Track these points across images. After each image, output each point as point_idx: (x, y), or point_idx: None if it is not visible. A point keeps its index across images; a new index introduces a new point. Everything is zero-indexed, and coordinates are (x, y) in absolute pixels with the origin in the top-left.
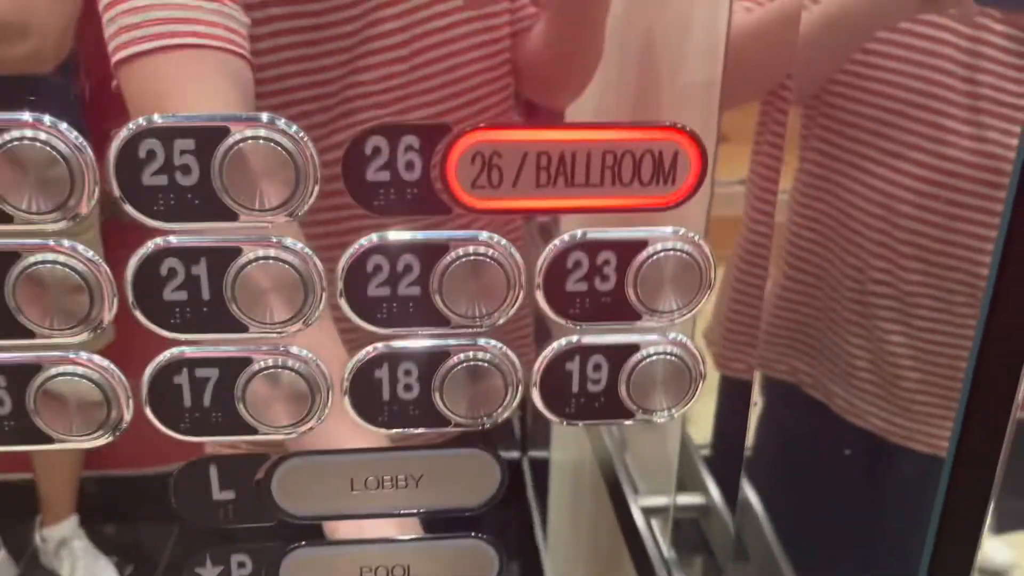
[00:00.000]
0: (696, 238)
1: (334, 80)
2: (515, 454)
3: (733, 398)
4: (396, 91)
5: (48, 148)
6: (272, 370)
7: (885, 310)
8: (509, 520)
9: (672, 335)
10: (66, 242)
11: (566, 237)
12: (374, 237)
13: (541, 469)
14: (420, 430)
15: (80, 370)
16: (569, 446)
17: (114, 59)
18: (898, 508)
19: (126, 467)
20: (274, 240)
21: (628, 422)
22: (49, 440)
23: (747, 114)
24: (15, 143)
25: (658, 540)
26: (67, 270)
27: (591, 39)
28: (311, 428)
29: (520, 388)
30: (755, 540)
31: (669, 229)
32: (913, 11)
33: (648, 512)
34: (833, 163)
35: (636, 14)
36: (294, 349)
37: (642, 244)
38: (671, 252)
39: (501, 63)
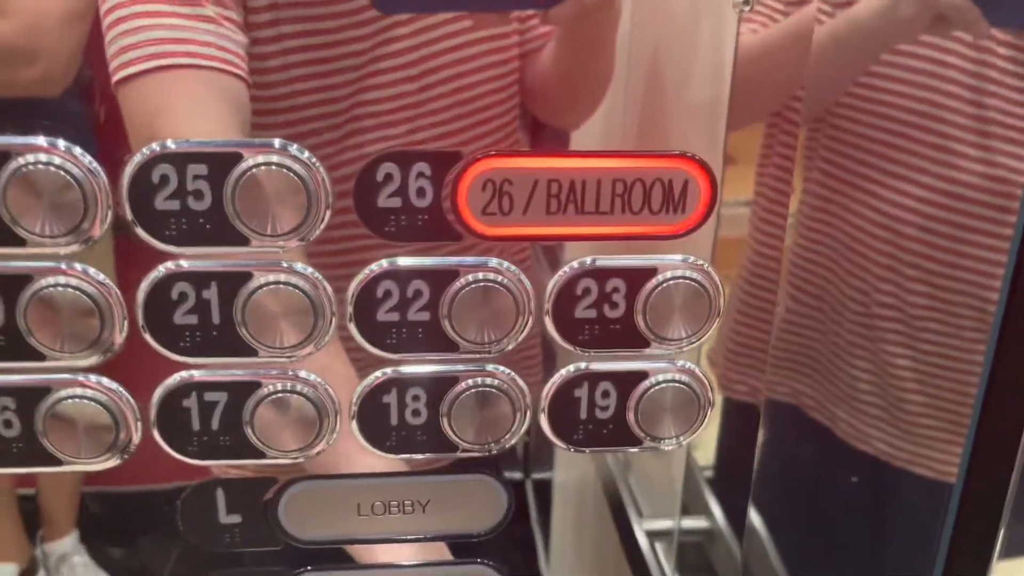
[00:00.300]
0: (705, 266)
1: (344, 98)
2: (518, 475)
3: (736, 420)
4: (406, 110)
5: (62, 172)
6: (281, 394)
7: (891, 333)
8: (511, 542)
9: (680, 362)
10: (78, 265)
11: (575, 264)
12: (384, 263)
13: (543, 490)
14: (427, 455)
15: (89, 393)
16: (573, 468)
17: (113, 80)
18: (904, 533)
19: (126, 484)
20: (285, 265)
21: (636, 449)
22: (57, 462)
23: (752, 135)
24: (30, 167)
25: (662, 564)
26: (78, 293)
27: (600, 60)
28: (318, 452)
29: (528, 414)
30: (760, 564)
31: (679, 257)
32: (922, 31)
33: (652, 535)
34: (838, 184)
35: (641, 36)
36: (303, 373)
37: (651, 272)
38: (680, 280)
39: (511, 84)
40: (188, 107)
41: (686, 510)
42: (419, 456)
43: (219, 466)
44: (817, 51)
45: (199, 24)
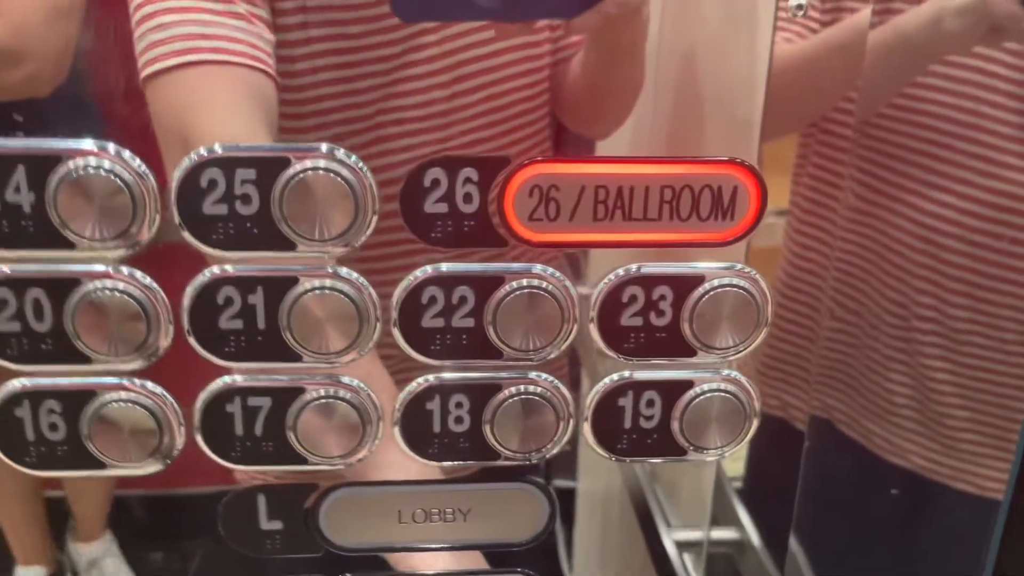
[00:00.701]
0: (753, 273)
1: (370, 103)
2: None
3: (767, 433)
4: (434, 118)
5: (112, 176)
6: (325, 400)
7: (930, 347)
8: (534, 551)
9: (726, 372)
10: (125, 269)
11: (621, 271)
12: (429, 268)
13: (565, 499)
14: (469, 463)
15: (134, 396)
16: (597, 476)
17: (141, 76)
18: (943, 548)
19: (153, 487)
20: (330, 270)
21: (681, 460)
22: (101, 466)
23: (782, 145)
24: (81, 171)
25: (691, 575)
26: (126, 297)
27: (629, 69)
28: (360, 459)
29: (572, 423)
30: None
31: (726, 264)
32: (975, 43)
33: (681, 546)
34: (875, 196)
35: (672, 46)
36: (346, 379)
37: (699, 279)
38: (729, 288)
39: (542, 92)
40: (221, 104)
41: (715, 521)
42: (450, 464)
43: (245, 472)
44: (866, 63)
45: (229, 20)
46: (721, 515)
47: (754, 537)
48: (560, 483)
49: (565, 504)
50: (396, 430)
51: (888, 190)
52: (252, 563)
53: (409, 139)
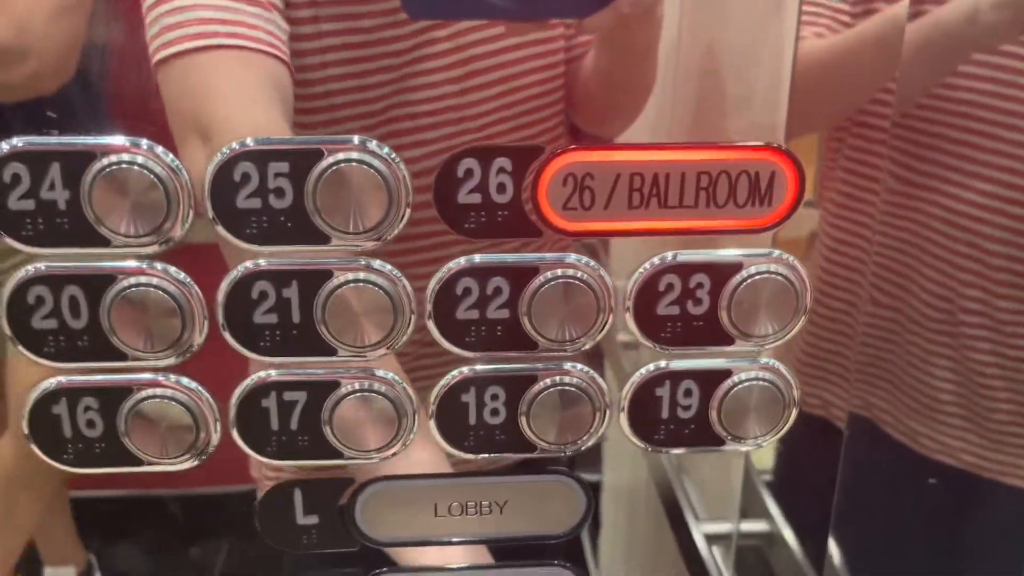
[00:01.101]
0: (792, 260)
1: (380, 98)
2: None
3: (803, 427)
4: (446, 112)
5: (146, 172)
6: (361, 393)
7: (978, 340)
8: (557, 545)
9: (764, 360)
10: (159, 265)
11: (656, 260)
12: (462, 260)
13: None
14: (507, 455)
15: (170, 392)
16: (622, 469)
17: (154, 59)
18: (990, 543)
19: (178, 486)
20: (363, 263)
21: (718, 450)
22: (139, 462)
23: (808, 141)
24: (114, 167)
25: (720, 567)
26: (161, 293)
27: (642, 67)
28: (395, 453)
29: (608, 414)
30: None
31: (764, 251)
32: (1014, 36)
33: (711, 539)
34: (914, 189)
35: (692, 42)
36: (380, 372)
37: (737, 267)
38: (767, 275)
39: (555, 89)
40: (240, 91)
41: (744, 514)
42: (484, 456)
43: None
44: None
45: (247, 7)
46: (750, 508)
47: (785, 530)
48: (584, 475)
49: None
50: (432, 423)
51: (928, 182)
52: (276, 558)
53: (421, 134)
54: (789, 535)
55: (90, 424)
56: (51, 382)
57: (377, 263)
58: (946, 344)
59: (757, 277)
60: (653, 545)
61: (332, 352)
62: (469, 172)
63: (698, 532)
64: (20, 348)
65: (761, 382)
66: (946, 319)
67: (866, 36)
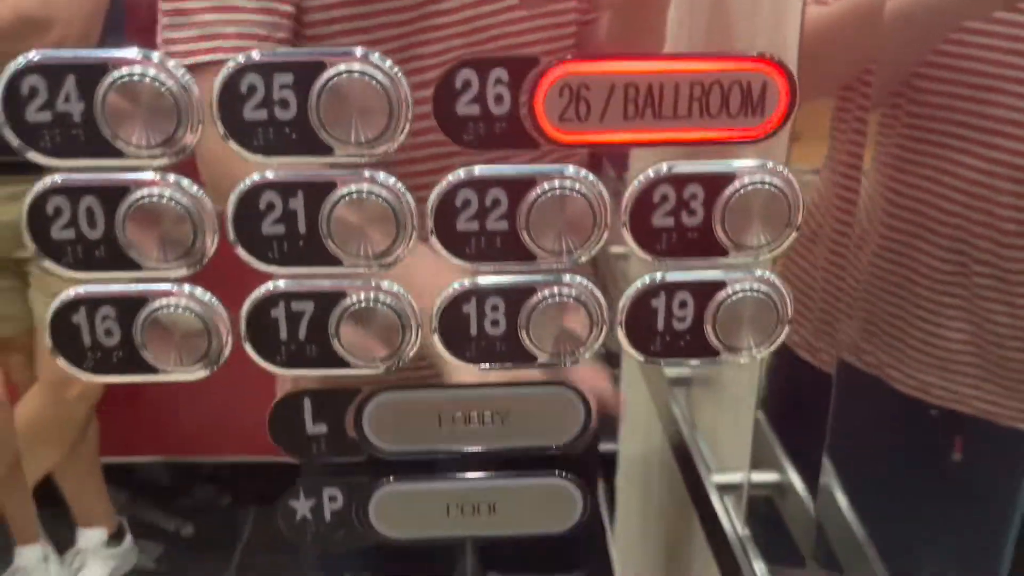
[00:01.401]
0: (784, 171)
1: (390, 53)
2: None
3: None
4: None
5: (157, 83)
6: (365, 304)
7: (989, 291)
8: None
9: (759, 272)
10: (171, 176)
11: (651, 172)
12: (461, 172)
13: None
14: (508, 365)
15: (184, 302)
16: (638, 437)
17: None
18: (1002, 491)
19: (208, 454)
20: (367, 175)
21: (712, 362)
22: (154, 371)
23: (818, 110)
24: (126, 79)
25: (732, 517)
26: (174, 204)
27: (651, 35)
28: (400, 364)
29: (605, 327)
30: (834, 521)
31: (757, 162)
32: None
33: (722, 489)
34: (925, 147)
35: (700, 7)
36: (385, 284)
37: (730, 177)
38: (760, 185)
39: (564, 49)
40: None
41: (756, 465)
42: (489, 366)
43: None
44: (887, 28)
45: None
46: (762, 459)
47: (795, 480)
48: (603, 445)
49: (607, 467)
50: (435, 335)
51: (938, 139)
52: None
53: (428, 90)
54: (798, 484)
55: (108, 333)
56: (70, 292)
57: (381, 175)
58: (960, 296)
59: (749, 187)
60: (667, 503)
61: (338, 263)
62: (467, 83)
63: (709, 483)
64: (42, 257)
65: (755, 294)
66: (959, 271)
67: (856, 9)
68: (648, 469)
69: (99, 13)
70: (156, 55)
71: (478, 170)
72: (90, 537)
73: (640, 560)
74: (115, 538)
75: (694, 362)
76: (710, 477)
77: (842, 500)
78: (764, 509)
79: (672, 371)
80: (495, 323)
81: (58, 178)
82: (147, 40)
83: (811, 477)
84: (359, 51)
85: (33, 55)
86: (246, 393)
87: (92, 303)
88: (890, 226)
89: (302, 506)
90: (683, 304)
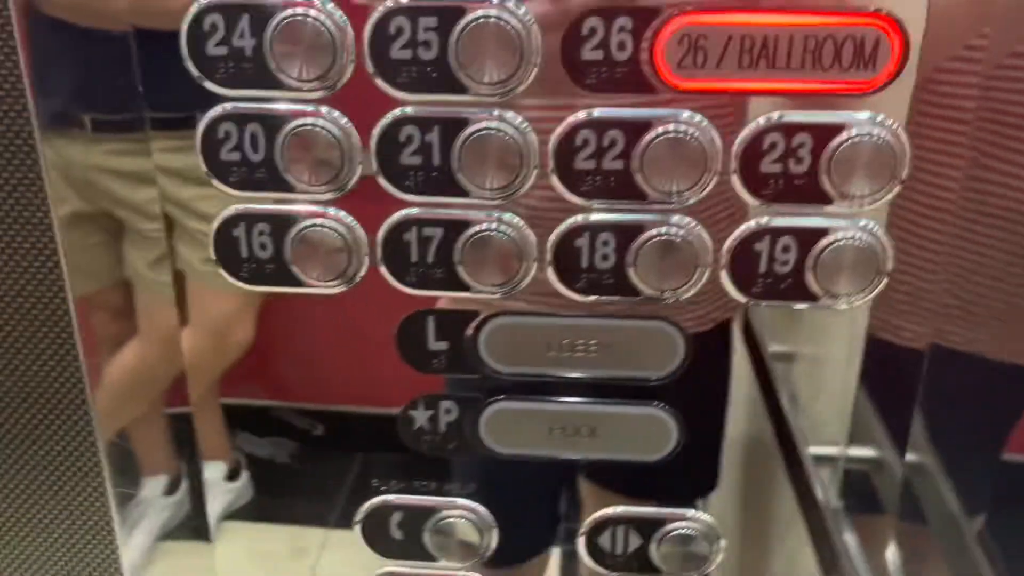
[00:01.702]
0: (894, 126)
1: None
2: None
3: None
4: None
5: (318, 23)
6: (487, 233)
7: None
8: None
9: (862, 222)
10: (325, 108)
11: (762, 120)
12: (582, 114)
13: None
14: (615, 298)
15: (329, 223)
16: (738, 410)
17: None
18: None
19: (321, 402)
20: (496, 114)
21: (810, 304)
22: (299, 283)
23: None
24: (291, 19)
25: (827, 488)
26: (327, 132)
27: None
28: (517, 288)
29: (709, 269)
30: (932, 497)
31: (867, 114)
32: None
33: (818, 461)
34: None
35: None
36: (507, 216)
37: (839, 128)
38: (867, 137)
39: None
40: None
41: (855, 440)
42: (589, 299)
43: None
44: None
45: None
46: (859, 436)
47: (889, 455)
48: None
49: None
50: (549, 267)
51: None
52: (404, 468)
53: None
54: (891, 459)
55: (262, 247)
56: (231, 209)
57: (510, 114)
58: None
59: (856, 139)
60: (764, 477)
61: (465, 194)
62: (593, 31)
63: (806, 455)
64: (211, 176)
65: (856, 242)
66: None
67: None
68: (748, 441)
69: None
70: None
71: (597, 112)
72: (212, 470)
73: (733, 530)
74: (234, 472)
75: (799, 306)
76: (807, 450)
77: (936, 474)
78: (860, 485)
79: (775, 347)
80: (605, 257)
81: (229, 106)
82: None
83: (903, 452)
84: None
85: None
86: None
87: (251, 219)
88: (982, 191)
89: (420, 416)
90: (786, 249)
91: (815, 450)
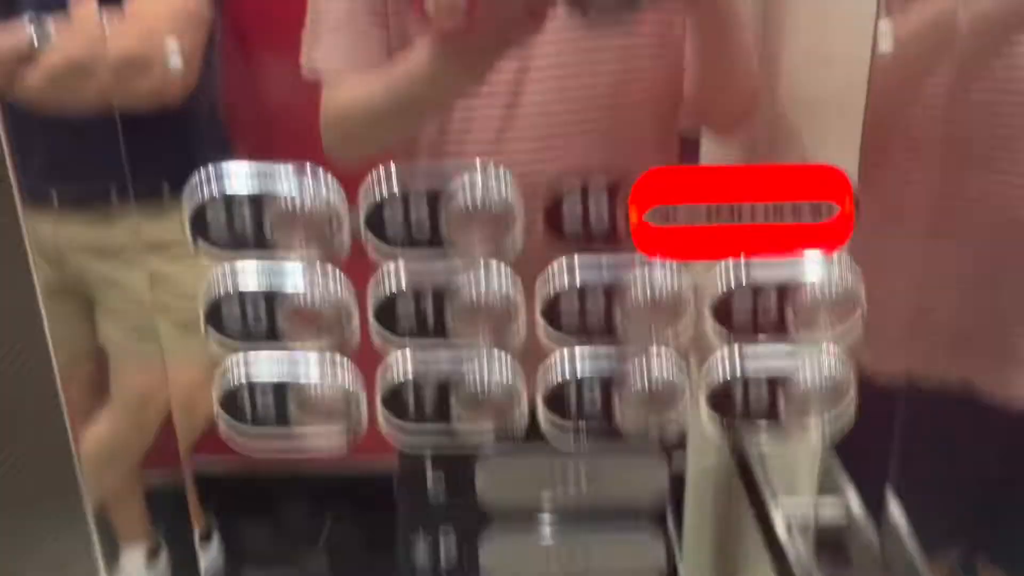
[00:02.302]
0: (848, 271)
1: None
2: None
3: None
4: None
5: (317, 203)
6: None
7: None
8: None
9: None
10: (319, 267)
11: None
12: (565, 269)
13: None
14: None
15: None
16: (708, 452)
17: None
18: None
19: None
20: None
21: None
22: (294, 439)
23: None
24: (290, 205)
25: (798, 545)
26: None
27: (731, 55)
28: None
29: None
30: (899, 555)
31: (824, 267)
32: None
33: (789, 516)
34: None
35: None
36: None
37: (799, 284)
38: (827, 290)
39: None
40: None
41: (823, 491)
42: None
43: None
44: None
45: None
46: (828, 487)
47: (858, 509)
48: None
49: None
50: (540, 406)
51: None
52: (375, 528)
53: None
54: (862, 514)
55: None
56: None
57: (495, 267)
58: None
59: (819, 292)
60: (734, 526)
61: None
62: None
63: (776, 508)
64: (211, 330)
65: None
66: None
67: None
68: (716, 490)
69: (197, 54)
70: (310, 179)
71: (579, 271)
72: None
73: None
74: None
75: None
76: (775, 501)
77: (906, 535)
78: (832, 538)
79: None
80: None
81: (233, 277)
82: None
83: (876, 508)
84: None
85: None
86: None
87: (252, 385)
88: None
89: (421, 545)
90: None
91: (784, 504)
